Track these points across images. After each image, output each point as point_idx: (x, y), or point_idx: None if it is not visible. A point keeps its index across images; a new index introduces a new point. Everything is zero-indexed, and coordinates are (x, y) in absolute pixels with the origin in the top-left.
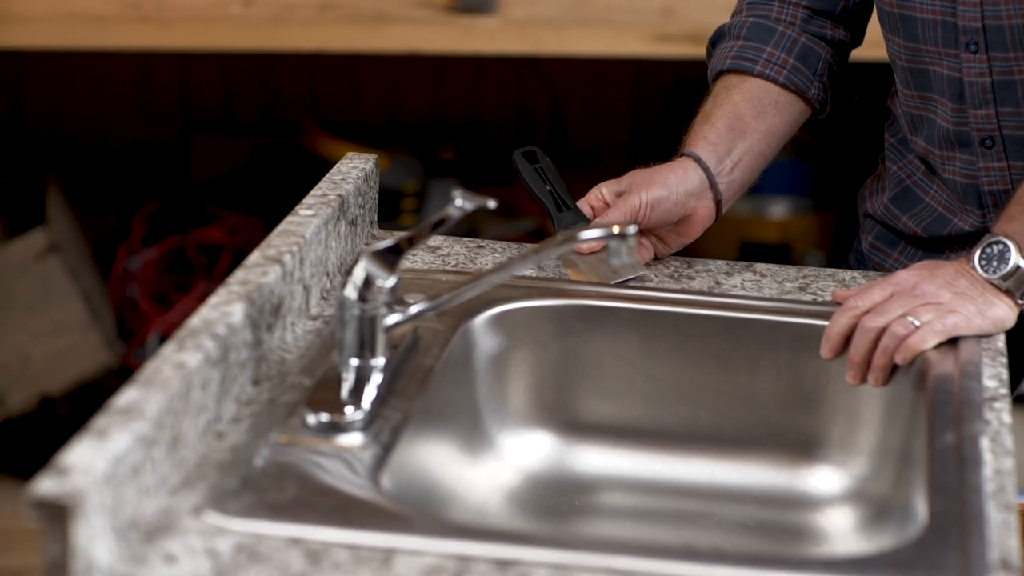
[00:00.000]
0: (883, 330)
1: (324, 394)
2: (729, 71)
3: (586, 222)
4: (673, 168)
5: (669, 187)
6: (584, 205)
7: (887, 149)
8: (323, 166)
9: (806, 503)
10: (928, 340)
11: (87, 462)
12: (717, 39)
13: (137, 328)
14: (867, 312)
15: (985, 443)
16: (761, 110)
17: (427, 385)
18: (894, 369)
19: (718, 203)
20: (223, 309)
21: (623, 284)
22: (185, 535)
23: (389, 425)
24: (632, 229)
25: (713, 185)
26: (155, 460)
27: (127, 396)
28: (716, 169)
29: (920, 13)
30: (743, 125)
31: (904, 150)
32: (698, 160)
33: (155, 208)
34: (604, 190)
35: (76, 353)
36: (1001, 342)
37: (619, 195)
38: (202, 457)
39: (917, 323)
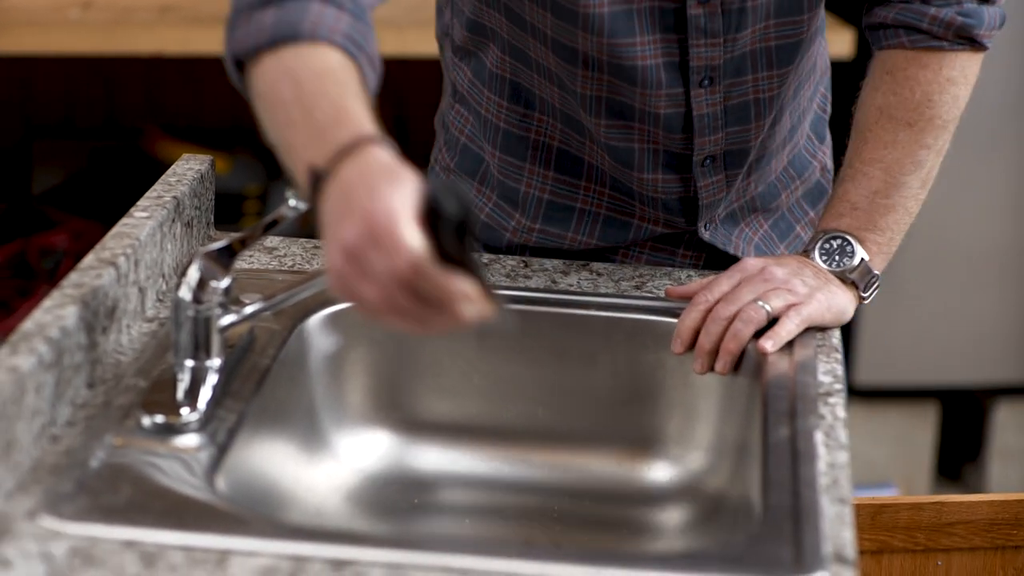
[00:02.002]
0: (734, 317)
1: (159, 396)
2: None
3: None
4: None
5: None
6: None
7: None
8: (165, 169)
9: (644, 498)
10: (795, 328)
11: None
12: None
13: None
14: (718, 302)
15: (819, 437)
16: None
17: (263, 385)
18: (738, 362)
19: None
20: (56, 312)
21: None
22: (20, 539)
23: (225, 426)
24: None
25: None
26: None
27: None
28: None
29: (641, 60)
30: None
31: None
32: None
33: None
34: None
35: None
36: (836, 338)
37: None
38: (36, 461)
39: (768, 308)
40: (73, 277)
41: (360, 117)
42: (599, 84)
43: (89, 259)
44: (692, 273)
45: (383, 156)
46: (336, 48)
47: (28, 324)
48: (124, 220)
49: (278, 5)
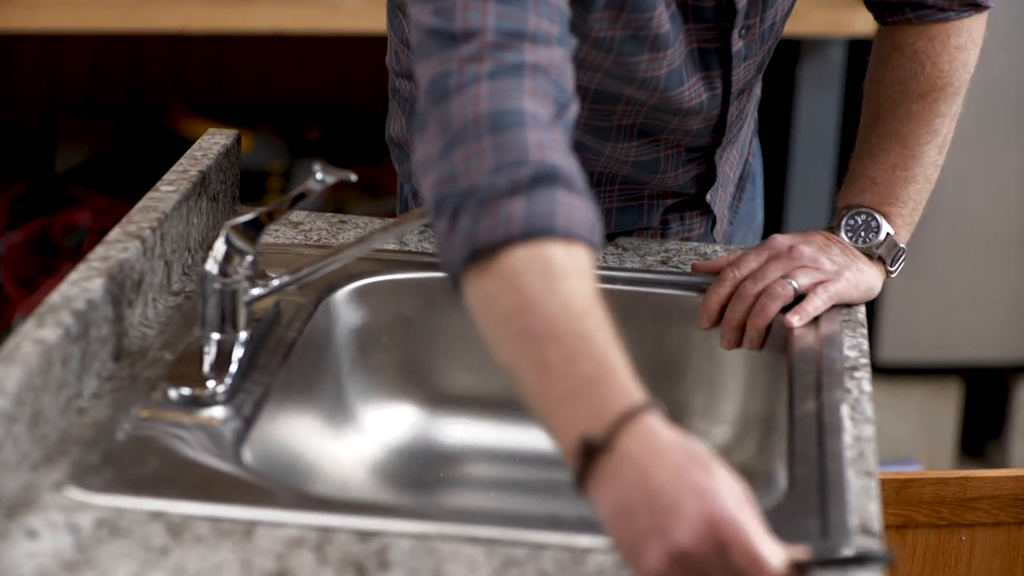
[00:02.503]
0: (761, 293)
1: (186, 368)
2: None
3: None
4: None
5: None
6: None
7: None
8: (189, 146)
9: None
10: (822, 304)
11: None
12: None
13: (2, 311)
14: (746, 278)
15: (845, 411)
16: None
17: (289, 358)
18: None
19: None
20: (83, 285)
21: None
22: (47, 511)
23: (251, 399)
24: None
25: None
26: (16, 436)
27: None
28: None
29: (688, 103)
30: None
31: None
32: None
33: (20, 191)
34: None
35: None
36: (862, 313)
37: None
38: (63, 433)
39: (795, 284)
40: (99, 250)
41: (626, 374)
42: (637, 115)
43: (115, 232)
44: (718, 248)
45: (664, 429)
46: (584, 244)
47: (55, 297)
48: (150, 194)
49: (527, 195)
